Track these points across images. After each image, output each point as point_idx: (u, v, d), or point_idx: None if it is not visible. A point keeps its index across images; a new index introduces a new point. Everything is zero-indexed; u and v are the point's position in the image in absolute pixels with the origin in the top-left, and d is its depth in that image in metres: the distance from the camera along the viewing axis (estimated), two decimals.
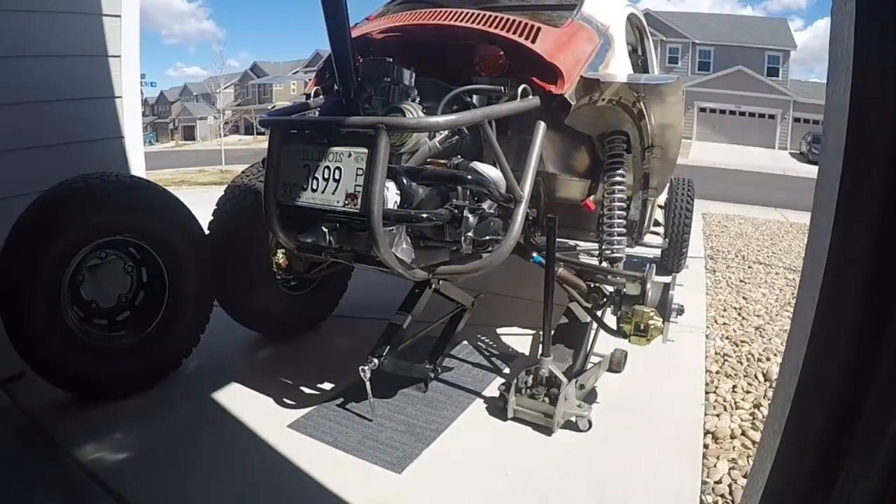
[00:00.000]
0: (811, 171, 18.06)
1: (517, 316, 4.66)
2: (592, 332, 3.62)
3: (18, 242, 2.95)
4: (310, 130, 2.99)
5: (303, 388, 3.53)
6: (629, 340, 3.20)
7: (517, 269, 3.98)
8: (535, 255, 3.53)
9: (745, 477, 2.72)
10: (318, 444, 2.94)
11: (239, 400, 3.38)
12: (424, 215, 2.66)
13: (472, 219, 2.75)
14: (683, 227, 5.83)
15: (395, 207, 2.65)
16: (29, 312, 2.93)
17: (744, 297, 5.71)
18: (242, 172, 4.04)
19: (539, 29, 3.11)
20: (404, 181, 2.68)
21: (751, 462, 2.75)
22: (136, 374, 3.33)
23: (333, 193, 2.65)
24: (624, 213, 3.59)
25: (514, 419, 3.16)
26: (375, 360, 3.06)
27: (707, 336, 4.54)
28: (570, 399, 3.08)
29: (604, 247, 3.57)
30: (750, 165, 30.77)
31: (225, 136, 37.61)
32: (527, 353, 4.10)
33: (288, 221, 2.92)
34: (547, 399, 3.08)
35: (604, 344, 3.67)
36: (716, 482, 2.73)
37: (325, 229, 2.79)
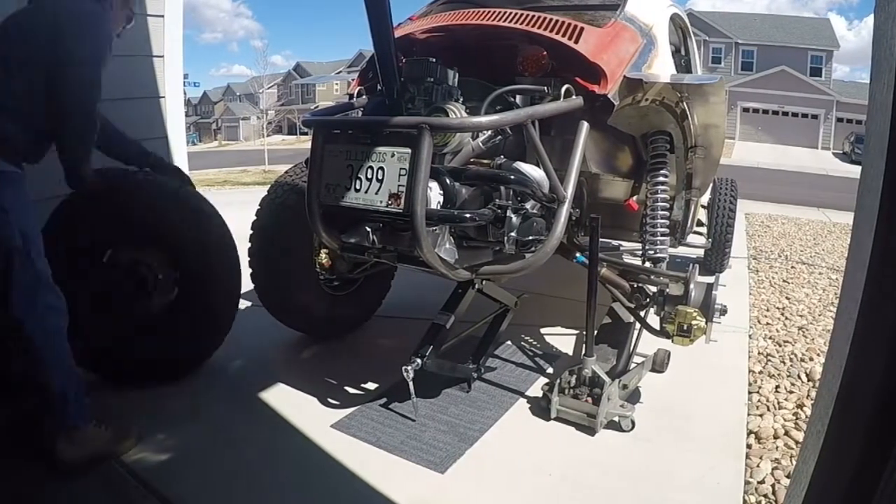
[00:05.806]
0: (854, 171, 17.81)
1: (560, 316, 4.66)
2: (635, 333, 3.61)
3: (50, 241, 2.97)
4: (353, 130, 2.99)
5: (346, 388, 3.56)
6: (672, 341, 3.20)
7: (560, 269, 3.98)
8: (578, 255, 3.53)
9: (788, 477, 2.70)
10: (362, 444, 2.96)
11: (282, 400, 3.41)
12: (468, 215, 2.66)
13: (515, 219, 2.76)
14: (726, 227, 5.76)
15: (439, 207, 2.66)
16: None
17: (787, 298, 5.66)
18: (285, 172, 4.05)
19: (582, 29, 3.10)
20: (447, 181, 2.69)
21: (794, 462, 2.73)
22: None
23: (377, 193, 2.66)
24: (667, 213, 3.58)
25: (558, 419, 3.16)
26: (419, 360, 3.09)
27: (750, 336, 4.50)
28: (613, 399, 3.08)
29: (647, 247, 3.57)
30: (793, 165, 30.37)
31: (268, 136, 37.81)
32: (570, 353, 4.09)
33: (331, 221, 2.96)
34: (590, 399, 3.08)
35: (647, 344, 3.65)
36: (759, 482, 2.71)
37: (368, 229, 2.82)
